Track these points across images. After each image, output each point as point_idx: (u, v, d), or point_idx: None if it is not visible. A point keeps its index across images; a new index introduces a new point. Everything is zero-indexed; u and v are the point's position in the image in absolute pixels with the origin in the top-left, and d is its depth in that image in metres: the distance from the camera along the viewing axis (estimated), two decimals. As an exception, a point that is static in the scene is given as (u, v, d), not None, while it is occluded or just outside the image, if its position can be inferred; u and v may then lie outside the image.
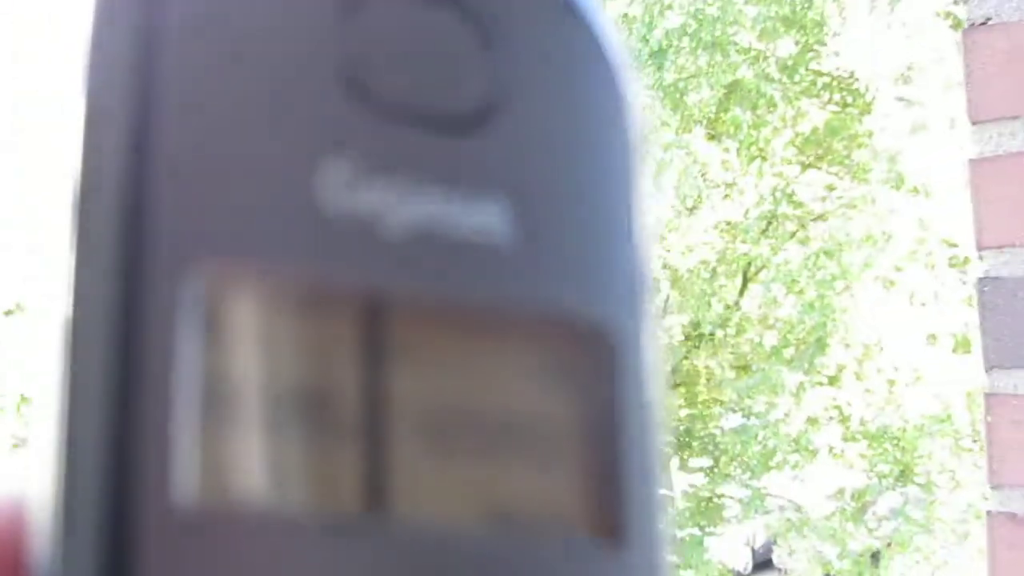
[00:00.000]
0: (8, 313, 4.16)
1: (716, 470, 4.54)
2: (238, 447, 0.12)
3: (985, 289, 0.63)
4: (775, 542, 4.93)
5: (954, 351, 4.23)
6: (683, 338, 4.61)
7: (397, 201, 0.13)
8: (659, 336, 0.15)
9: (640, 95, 0.15)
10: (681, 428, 4.47)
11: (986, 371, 0.66)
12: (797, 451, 4.40)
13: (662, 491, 0.14)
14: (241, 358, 0.13)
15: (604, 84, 0.15)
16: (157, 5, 0.13)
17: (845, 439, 4.54)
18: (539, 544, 0.14)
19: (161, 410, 0.12)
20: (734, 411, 4.65)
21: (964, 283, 4.12)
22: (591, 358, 0.14)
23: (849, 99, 4.56)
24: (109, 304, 0.12)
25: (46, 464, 0.12)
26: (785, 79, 4.45)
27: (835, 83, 4.58)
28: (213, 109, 0.13)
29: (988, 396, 0.65)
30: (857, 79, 4.54)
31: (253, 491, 0.12)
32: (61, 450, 0.12)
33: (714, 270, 4.63)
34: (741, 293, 4.71)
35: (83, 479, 0.11)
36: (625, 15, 4.29)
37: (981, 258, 0.63)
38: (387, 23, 0.14)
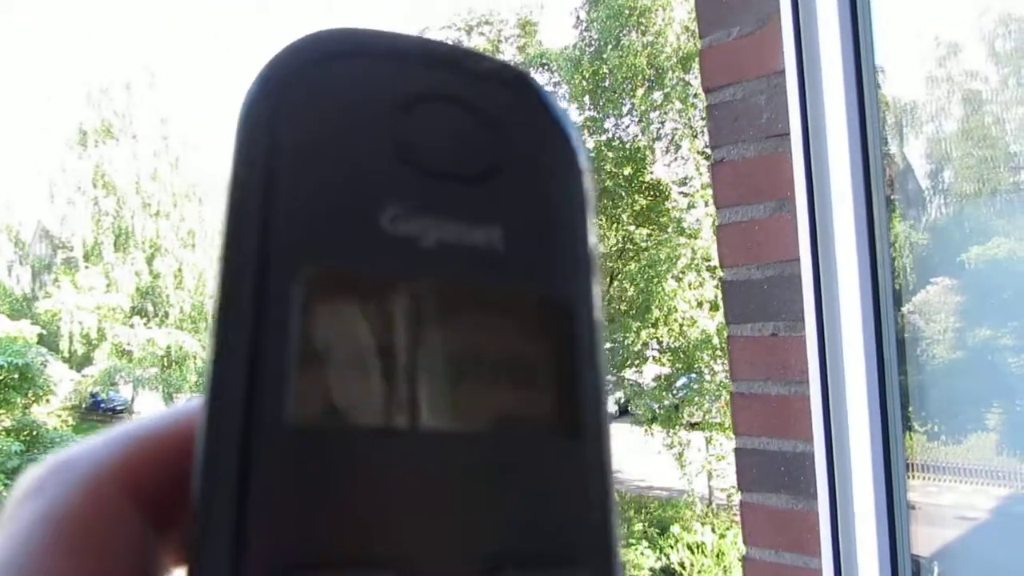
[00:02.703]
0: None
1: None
2: (329, 384, 0.19)
3: (725, 284, 1.13)
4: (629, 401, 9.93)
5: (711, 311, 9.15)
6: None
7: (431, 225, 0.20)
8: (601, 305, 0.22)
9: (588, 163, 0.23)
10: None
11: (727, 323, 1.16)
12: (638, 358, 9.33)
13: (607, 401, 0.22)
14: (333, 326, 0.19)
15: (567, 155, 0.22)
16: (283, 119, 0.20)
17: (660, 352, 9.51)
18: (526, 437, 0.21)
19: (279, 360, 0.19)
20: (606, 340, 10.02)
21: (715, 280, 9.22)
22: (558, 318, 0.21)
23: (658, 194, 9.67)
24: (248, 293, 0.19)
25: (203, 398, 0.19)
26: (624, 185, 9.55)
27: (653, 186, 9.68)
28: (316, 170, 0.20)
29: (729, 336, 1.15)
30: (665, 184, 9.65)
31: (338, 412, 0.19)
32: (214, 386, 0.19)
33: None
34: (610, 284, 9.70)
35: (227, 405, 0.18)
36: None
37: (722, 269, 1.13)
38: (428, 117, 0.21)
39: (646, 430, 9.60)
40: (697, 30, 1.13)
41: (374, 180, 0.20)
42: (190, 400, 0.22)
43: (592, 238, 0.22)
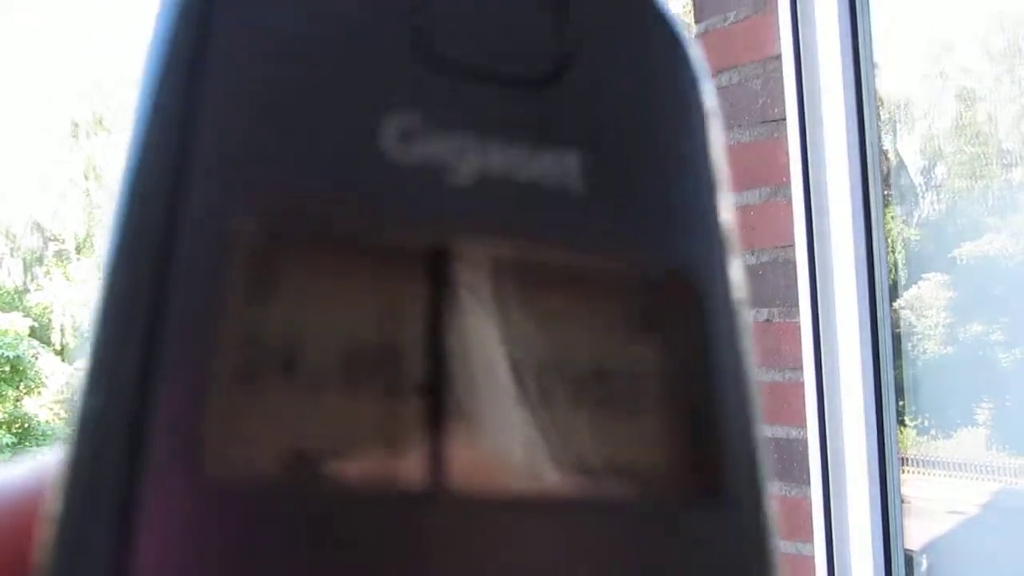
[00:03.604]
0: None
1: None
2: (288, 416, 0.11)
3: None
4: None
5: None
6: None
7: (467, 149, 0.12)
8: (743, 288, 0.13)
9: (704, 64, 0.14)
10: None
11: None
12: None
13: (762, 445, 0.13)
14: (294, 310, 0.11)
15: (671, 48, 0.14)
16: None
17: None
18: (635, 506, 0.12)
19: (194, 374, 0.11)
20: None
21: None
22: (675, 304, 0.13)
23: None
24: (145, 270, 0.11)
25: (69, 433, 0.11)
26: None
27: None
28: (273, 59, 0.12)
29: None
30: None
31: (303, 462, 0.11)
32: (84, 424, 0.11)
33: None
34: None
35: (102, 452, 0.10)
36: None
37: None
38: None
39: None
40: (693, 17, 1.13)
41: (374, 77, 0.13)
42: (42, 456, 0.14)
43: (721, 178, 0.14)
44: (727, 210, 0.14)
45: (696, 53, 0.15)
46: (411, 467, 0.12)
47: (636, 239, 0.13)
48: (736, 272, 0.14)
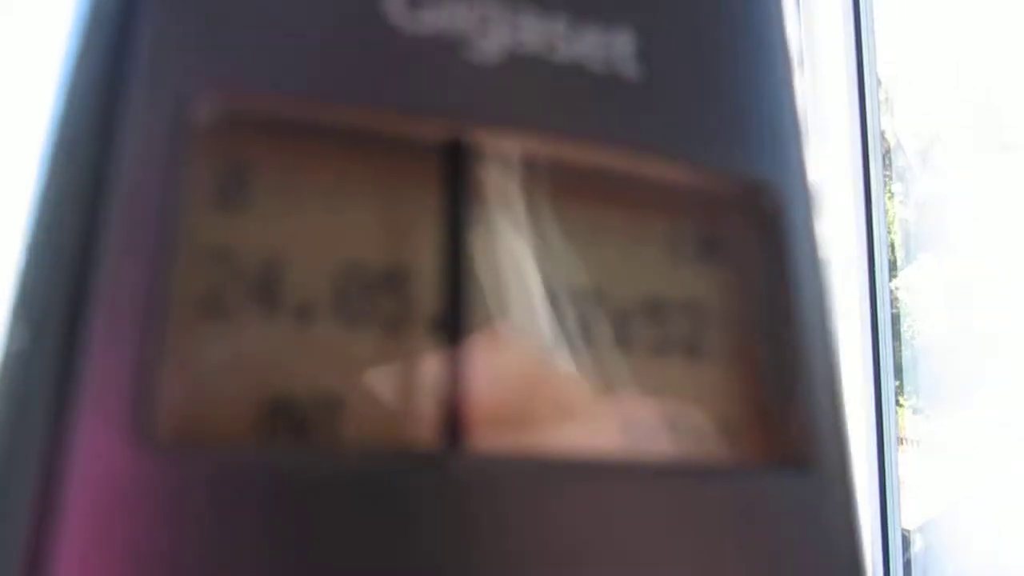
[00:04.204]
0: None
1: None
2: (265, 357, 0.09)
3: None
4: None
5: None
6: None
7: (489, 20, 0.10)
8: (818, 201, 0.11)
9: None
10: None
11: None
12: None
13: (844, 402, 0.11)
14: (274, 221, 0.09)
15: None
16: None
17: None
18: (709, 470, 0.10)
19: (138, 302, 0.08)
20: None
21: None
22: (749, 225, 0.11)
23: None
24: (81, 153, 0.08)
25: None
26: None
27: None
28: None
29: None
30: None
31: (282, 420, 0.09)
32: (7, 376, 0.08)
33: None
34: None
35: (27, 401, 0.08)
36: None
37: None
38: None
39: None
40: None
41: None
42: None
43: (794, 71, 0.12)
44: (803, 117, 0.12)
45: None
46: (421, 422, 0.09)
47: (702, 140, 0.11)
48: (814, 187, 0.11)
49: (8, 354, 0.09)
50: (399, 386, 0.09)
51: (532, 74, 0.10)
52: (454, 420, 0.09)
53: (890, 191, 1.02)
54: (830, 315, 0.11)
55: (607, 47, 0.10)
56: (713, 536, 0.10)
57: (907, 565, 0.96)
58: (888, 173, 1.02)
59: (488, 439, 0.09)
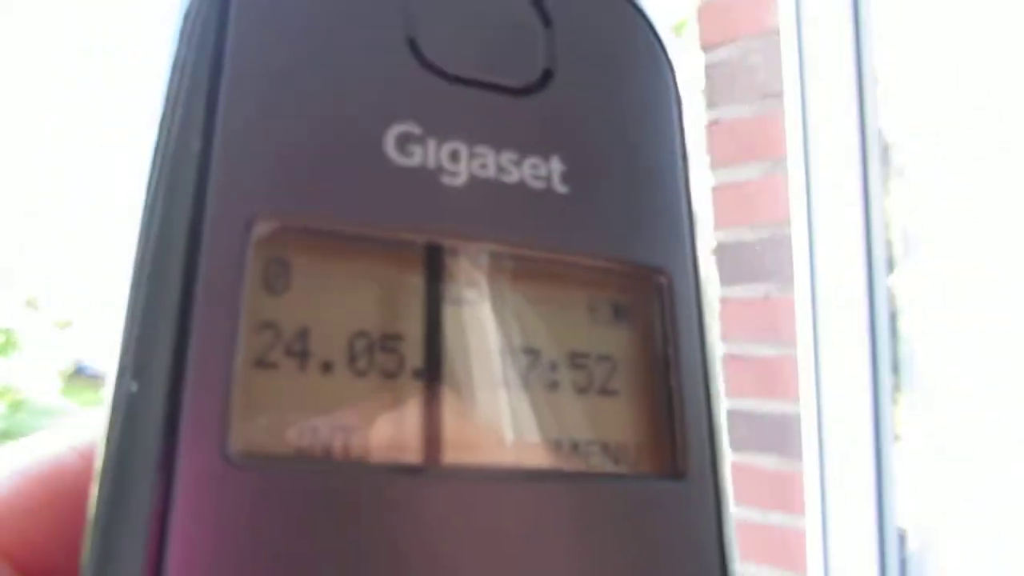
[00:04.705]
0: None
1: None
2: (303, 396, 0.12)
3: (717, 246, 1.04)
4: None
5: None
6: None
7: (461, 153, 0.14)
8: (709, 281, 0.15)
9: (684, 66, 0.15)
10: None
11: (719, 285, 1.05)
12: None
13: (721, 426, 0.14)
14: (306, 300, 0.13)
15: (651, 56, 0.15)
16: None
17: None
18: (604, 481, 0.14)
19: (220, 362, 0.12)
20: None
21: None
22: (645, 297, 0.14)
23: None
24: (174, 261, 0.12)
25: (105, 411, 0.12)
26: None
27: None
28: (286, 66, 0.13)
29: (720, 297, 1.04)
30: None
31: (316, 439, 0.12)
32: (120, 403, 0.12)
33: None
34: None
35: (138, 428, 0.11)
36: None
37: (715, 230, 1.04)
38: (454, 3, 0.14)
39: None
40: (693, -11, 1.12)
41: (375, 85, 0.14)
42: (79, 424, 0.15)
43: (692, 176, 0.15)
44: (697, 210, 0.15)
45: (673, 57, 0.16)
46: (410, 443, 0.13)
47: (612, 237, 0.15)
48: (703, 266, 0.15)
49: (119, 394, 0.12)
50: (393, 419, 0.13)
51: (489, 192, 0.14)
52: (432, 443, 0.13)
53: (888, 189, 1.02)
54: (710, 360, 0.15)
55: (544, 170, 0.14)
56: (607, 525, 0.14)
57: (903, 563, 0.96)
58: (888, 168, 1.02)
59: (456, 456, 0.13)
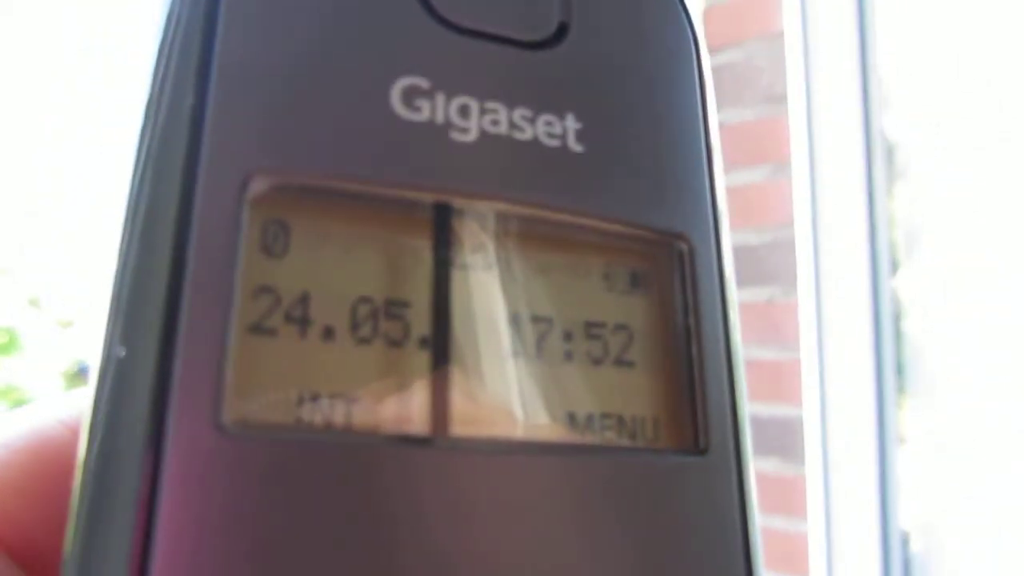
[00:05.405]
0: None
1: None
2: (301, 363, 0.12)
3: None
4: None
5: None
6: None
7: (471, 109, 0.13)
8: (730, 252, 0.14)
9: (701, 28, 0.15)
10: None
11: None
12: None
13: (745, 399, 0.14)
14: (308, 271, 0.12)
15: (670, 12, 0.15)
16: None
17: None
18: (622, 455, 0.13)
19: (214, 327, 0.11)
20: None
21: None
22: (665, 264, 0.14)
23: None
24: (165, 221, 0.11)
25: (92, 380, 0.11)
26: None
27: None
28: (286, 12, 0.12)
29: None
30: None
31: (316, 410, 0.12)
32: (108, 371, 0.11)
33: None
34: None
35: (127, 398, 0.11)
36: None
37: None
38: None
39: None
40: (698, -8, 1.12)
41: (381, 35, 0.13)
42: (63, 397, 0.14)
43: (713, 140, 0.15)
44: (719, 176, 0.15)
45: (694, 17, 0.15)
46: (414, 414, 0.12)
47: (630, 199, 0.14)
48: (725, 238, 0.14)
49: (107, 361, 0.11)
50: (399, 388, 0.12)
51: (500, 149, 0.13)
52: (440, 413, 0.12)
53: (892, 192, 1.02)
54: (732, 331, 0.14)
55: (558, 128, 0.14)
56: (623, 501, 0.13)
57: (906, 566, 0.96)
58: (893, 171, 1.02)
59: (465, 427, 0.12)
